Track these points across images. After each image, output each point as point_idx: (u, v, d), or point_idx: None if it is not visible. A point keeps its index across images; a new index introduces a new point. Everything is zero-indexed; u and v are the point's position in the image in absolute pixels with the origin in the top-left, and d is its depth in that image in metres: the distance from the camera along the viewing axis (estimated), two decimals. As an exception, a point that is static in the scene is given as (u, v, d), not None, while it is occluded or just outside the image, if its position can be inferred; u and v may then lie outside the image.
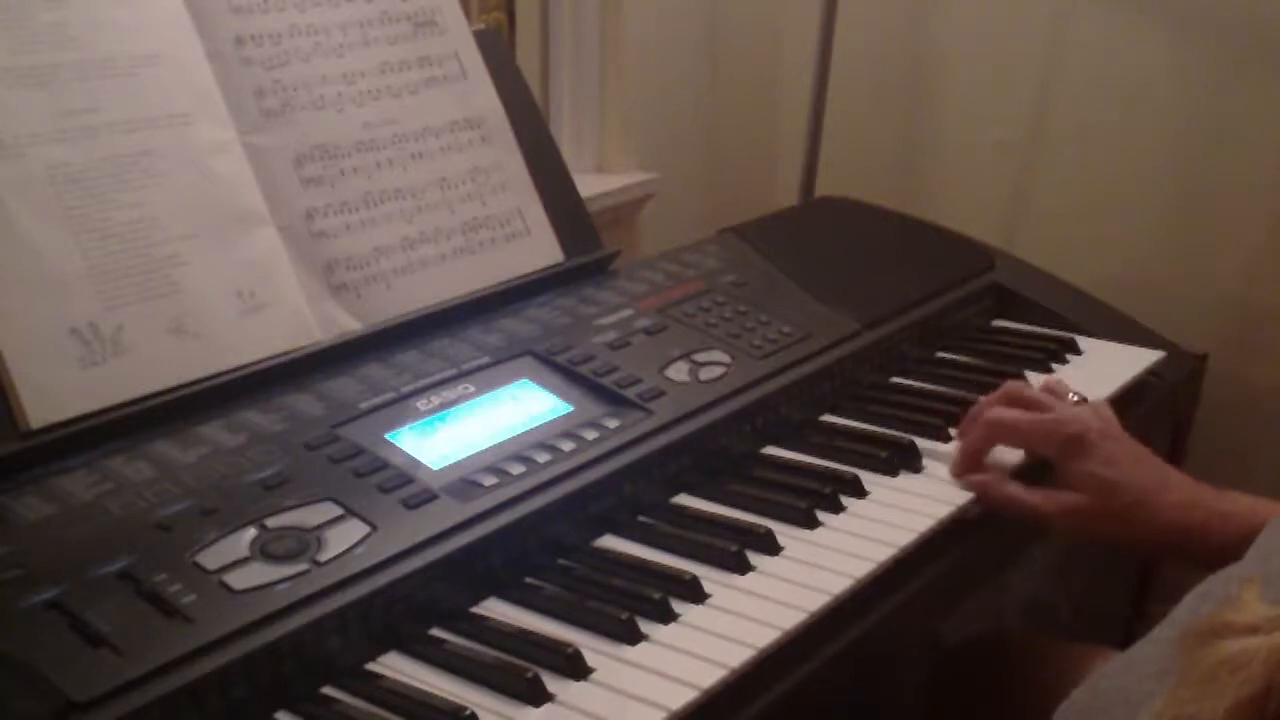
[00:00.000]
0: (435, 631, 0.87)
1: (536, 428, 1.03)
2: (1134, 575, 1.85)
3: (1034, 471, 1.10)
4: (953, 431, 1.15)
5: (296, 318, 1.09)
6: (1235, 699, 0.59)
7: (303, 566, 0.83)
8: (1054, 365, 1.33)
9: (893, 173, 2.10)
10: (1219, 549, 0.98)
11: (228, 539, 0.84)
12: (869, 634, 0.92)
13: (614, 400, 1.08)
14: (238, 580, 0.81)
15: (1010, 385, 1.14)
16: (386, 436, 0.98)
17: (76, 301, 0.97)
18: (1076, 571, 1.77)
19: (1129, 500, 1.02)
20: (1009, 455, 1.11)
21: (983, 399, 1.14)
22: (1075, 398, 1.16)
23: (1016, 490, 1.07)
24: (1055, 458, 1.07)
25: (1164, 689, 0.70)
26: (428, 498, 0.91)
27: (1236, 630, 0.62)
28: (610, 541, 0.99)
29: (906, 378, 1.30)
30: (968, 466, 1.10)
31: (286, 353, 1.07)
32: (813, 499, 1.03)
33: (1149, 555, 1.07)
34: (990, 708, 1.19)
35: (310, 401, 1.01)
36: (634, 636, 0.85)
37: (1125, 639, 1.06)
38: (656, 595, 0.89)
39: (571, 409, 1.06)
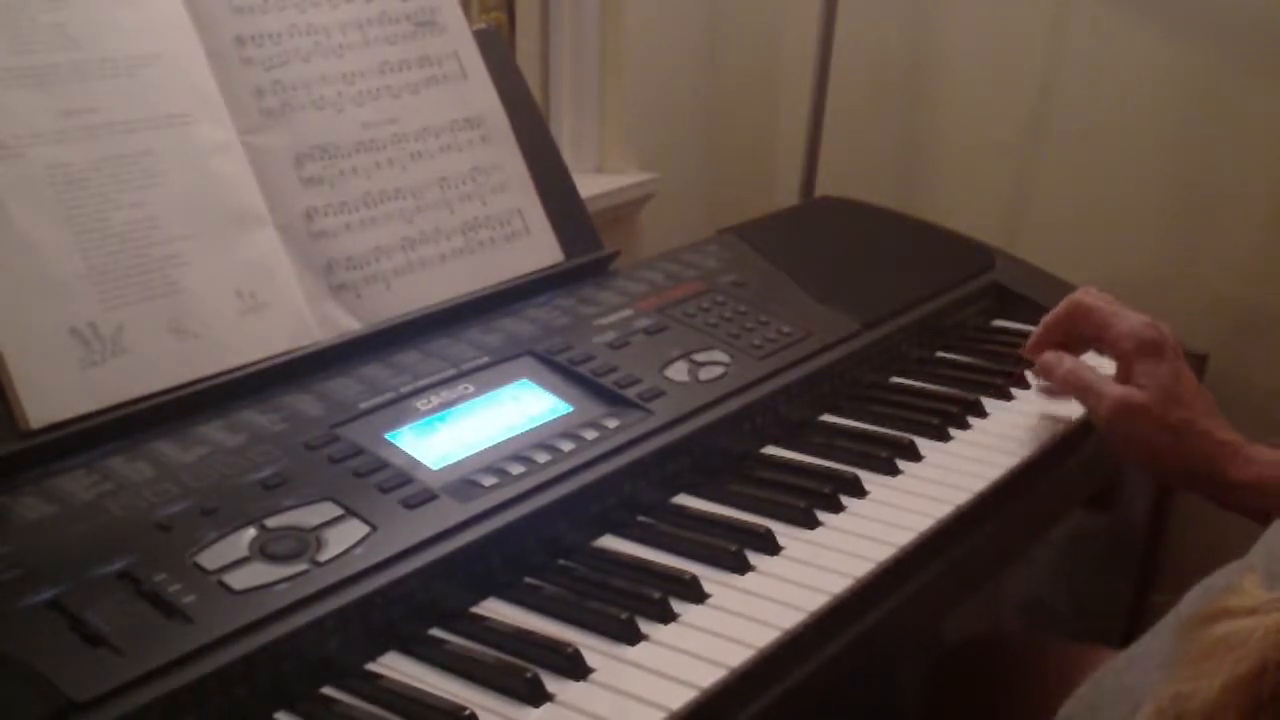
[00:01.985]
0: (435, 631, 0.87)
1: (536, 428, 1.03)
2: (1135, 569, 1.85)
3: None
4: (952, 431, 1.16)
5: (296, 318, 1.09)
6: (1230, 676, 0.59)
7: (302, 566, 0.83)
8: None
9: (893, 173, 2.10)
10: (1238, 486, 1.02)
11: (228, 539, 0.84)
12: (869, 634, 0.92)
13: (614, 400, 1.08)
14: (237, 580, 0.81)
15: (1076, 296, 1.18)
16: (386, 436, 0.98)
17: (76, 301, 0.97)
18: (1077, 570, 1.77)
19: (1183, 415, 1.06)
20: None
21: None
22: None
23: (1088, 370, 1.11)
24: (1130, 352, 1.10)
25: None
26: (427, 498, 0.91)
27: (1235, 614, 0.63)
28: (610, 541, 0.99)
29: (906, 378, 1.30)
30: (1039, 342, 1.17)
31: (286, 353, 1.07)
32: (813, 499, 1.03)
33: (1177, 479, 1.11)
34: (989, 707, 1.19)
35: (310, 401, 1.01)
36: (634, 636, 0.85)
37: (1126, 635, 1.07)
38: (656, 595, 0.89)
39: (571, 409, 1.06)
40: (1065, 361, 1.13)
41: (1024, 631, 1.50)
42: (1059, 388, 1.14)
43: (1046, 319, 1.17)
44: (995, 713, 1.18)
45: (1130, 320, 1.11)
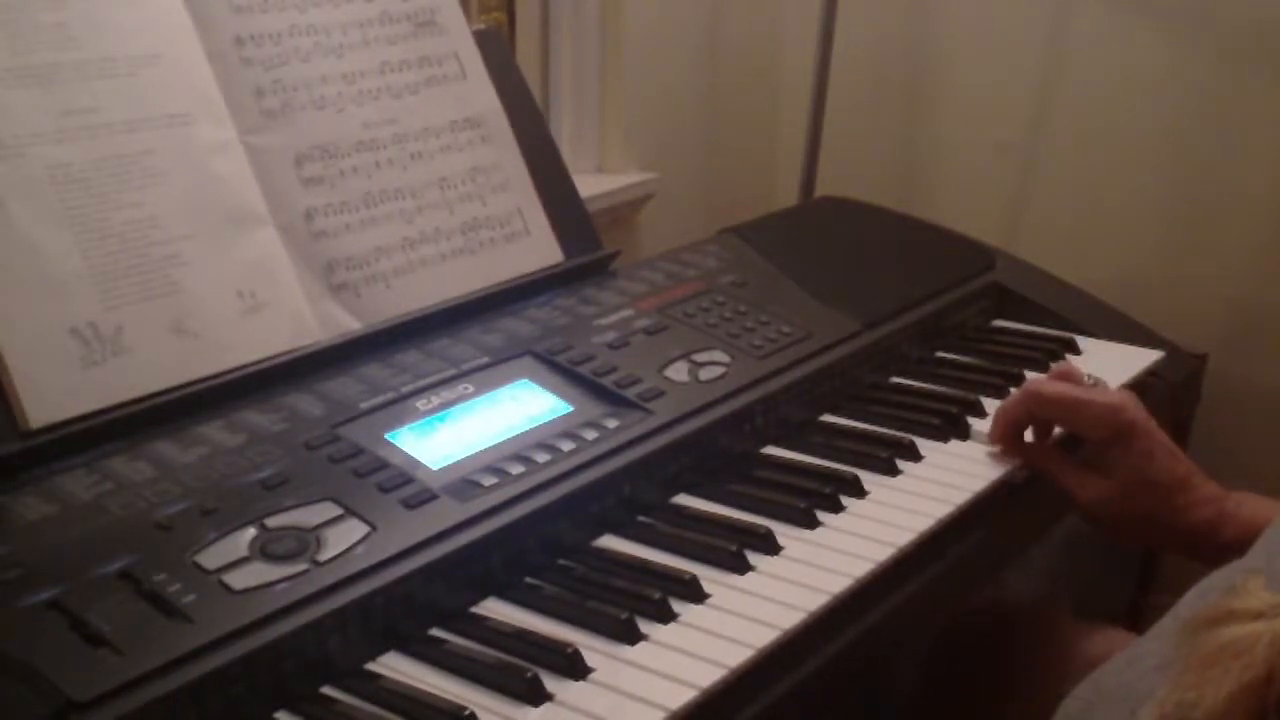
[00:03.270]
0: (435, 631, 0.87)
1: (536, 428, 1.03)
2: (1135, 569, 1.85)
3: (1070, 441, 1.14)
4: (952, 431, 1.16)
5: (296, 318, 1.09)
6: (1237, 683, 0.59)
7: (302, 566, 0.83)
8: (1054, 365, 1.33)
9: (893, 173, 2.10)
10: (1222, 547, 1.00)
11: (228, 539, 0.84)
12: (869, 634, 0.92)
13: (614, 400, 1.08)
14: (237, 580, 0.81)
15: (1062, 365, 1.18)
16: (386, 436, 0.98)
17: (76, 301, 0.97)
18: (1077, 570, 1.77)
19: (1157, 499, 1.06)
20: None
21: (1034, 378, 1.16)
22: (1091, 381, 1.18)
23: (1062, 471, 1.11)
24: (1100, 440, 1.09)
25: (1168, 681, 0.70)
26: (427, 498, 0.91)
27: (1240, 617, 0.62)
28: (610, 541, 0.99)
29: (906, 378, 1.30)
30: (1002, 435, 1.12)
31: (286, 353, 1.07)
32: (813, 499, 1.03)
33: (1161, 549, 1.11)
34: (989, 681, 1.18)
35: (310, 401, 1.01)
36: (633, 636, 0.85)
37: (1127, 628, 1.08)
38: (656, 595, 0.89)
39: (571, 409, 1.06)
40: (1041, 461, 1.12)
41: (1024, 605, 1.49)
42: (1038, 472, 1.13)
43: (1005, 408, 1.12)
44: (994, 682, 1.17)
45: (1095, 408, 1.08)
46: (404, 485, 0.92)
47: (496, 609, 0.90)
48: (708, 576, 0.92)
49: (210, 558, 0.83)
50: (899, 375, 1.30)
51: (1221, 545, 1.02)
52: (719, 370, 1.14)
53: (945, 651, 1.24)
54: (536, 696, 0.80)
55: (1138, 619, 1.79)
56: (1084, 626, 1.19)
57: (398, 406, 1.02)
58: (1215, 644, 0.62)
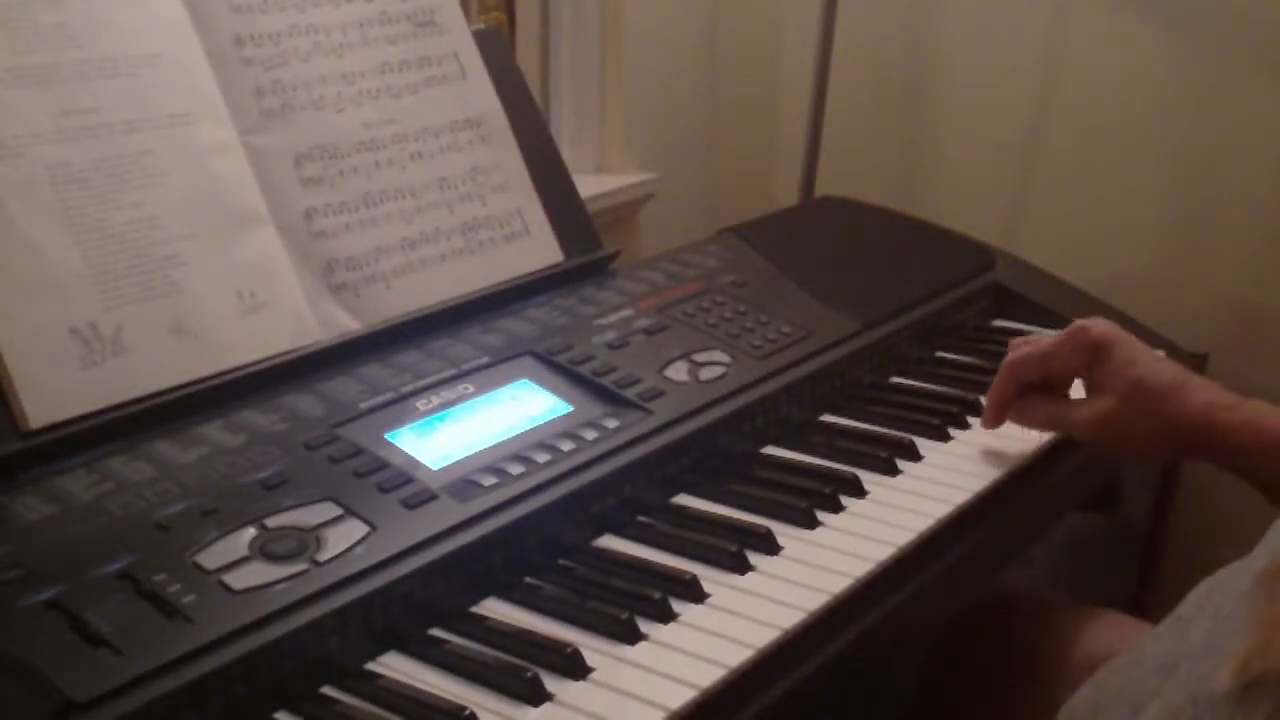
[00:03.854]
0: (435, 631, 0.87)
1: (536, 428, 1.03)
2: (1135, 566, 1.85)
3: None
4: (952, 431, 1.16)
5: (296, 318, 1.09)
6: None
7: (302, 566, 0.83)
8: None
9: (893, 173, 2.10)
10: (1242, 451, 1.02)
11: (227, 539, 0.85)
12: (869, 634, 0.92)
13: (614, 400, 1.08)
14: (237, 580, 0.81)
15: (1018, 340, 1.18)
16: (386, 436, 0.98)
17: (76, 301, 0.97)
18: (1077, 570, 1.77)
19: (1155, 399, 1.06)
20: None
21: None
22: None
23: (1054, 407, 1.12)
24: (1083, 365, 1.10)
25: (1171, 683, 0.70)
26: (427, 498, 0.91)
27: None
28: (610, 541, 0.99)
29: (906, 378, 1.30)
30: (996, 418, 1.13)
31: (286, 353, 1.07)
32: (813, 499, 1.03)
33: (1177, 454, 1.12)
34: (990, 671, 1.18)
35: (310, 401, 1.01)
36: (634, 636, 0.85)
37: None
38: (656, 595, 0.89)
39: (571, 409, 1.06)
40: (1035, 411, 1.13)
41: (1023, 593, 1.49)
42: (1040, 431, 1.14)
43: (994, 395, 1.14)
44: (996, 673, 1.17)
45: (1062, 340, 1.10)
46: (404, 485, 0.92)
47: (496, 609, 0.90)
48: (708, 576, 0.92)
49: (210, 558, 0.83)
50: (899, 375, 1.30)
51: (1239, 450, 1.02)
52: (719, 370, 1.14)
53: (945, 644, 1.24)
54: (536, 696, 0.80)
55: (1138, 617, 1.79)
56: (1085, 614, 1.19)
57: (398, 406, 1.02)
58: None
